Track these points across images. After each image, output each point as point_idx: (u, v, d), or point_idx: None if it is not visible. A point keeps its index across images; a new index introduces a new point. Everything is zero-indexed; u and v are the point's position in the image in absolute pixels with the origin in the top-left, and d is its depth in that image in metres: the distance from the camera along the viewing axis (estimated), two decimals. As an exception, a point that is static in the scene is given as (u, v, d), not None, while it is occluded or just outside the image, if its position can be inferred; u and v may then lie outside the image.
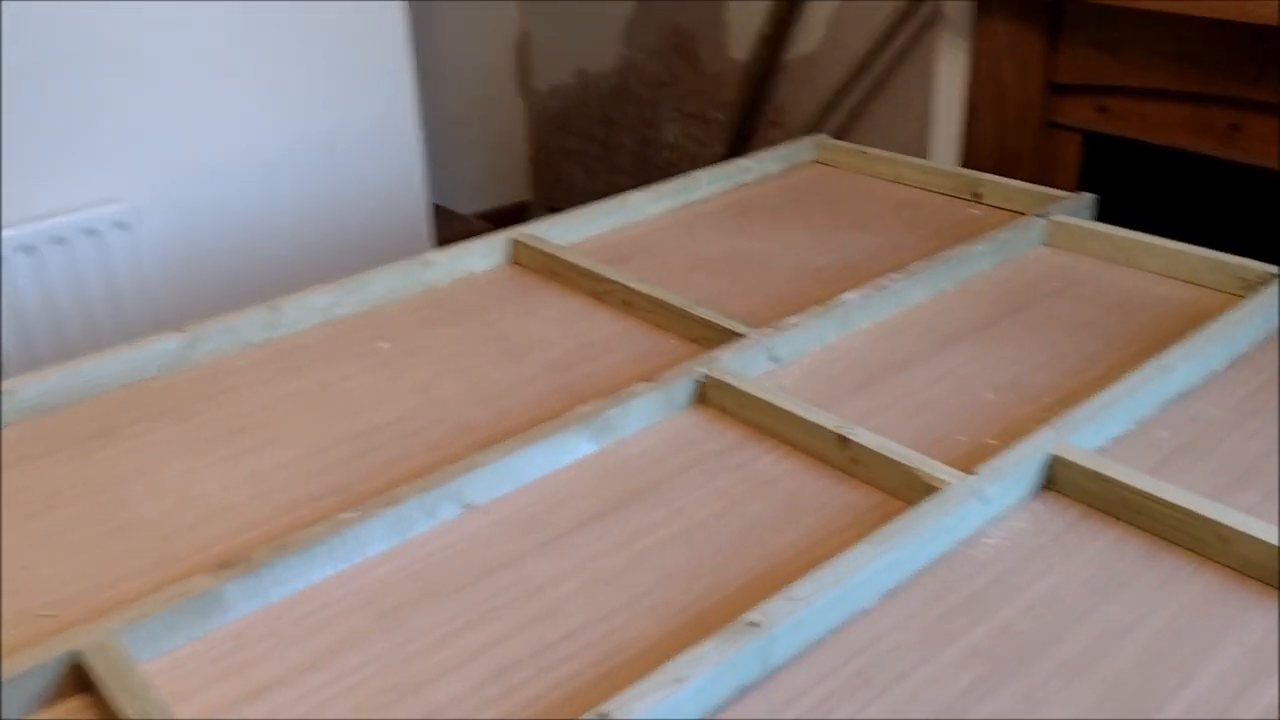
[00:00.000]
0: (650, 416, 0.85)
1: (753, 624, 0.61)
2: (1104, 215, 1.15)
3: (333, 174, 1.68)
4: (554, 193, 2.59)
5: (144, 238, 1.52)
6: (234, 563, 0.67)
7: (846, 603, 0.65)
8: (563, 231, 1.15)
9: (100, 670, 0.59)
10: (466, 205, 2.48)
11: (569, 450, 0.80)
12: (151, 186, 1.52)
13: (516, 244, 1.12)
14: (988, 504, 0.72)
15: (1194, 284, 1.02)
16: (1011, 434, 0.80)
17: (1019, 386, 0.88)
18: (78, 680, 0.60)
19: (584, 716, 0.55)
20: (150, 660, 0.62)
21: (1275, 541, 0.66)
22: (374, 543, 0.71)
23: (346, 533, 0.70)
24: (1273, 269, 0.98)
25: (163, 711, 0.56)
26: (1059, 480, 0.75)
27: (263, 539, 0.72)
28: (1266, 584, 0.66)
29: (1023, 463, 0.74)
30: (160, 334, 0.93)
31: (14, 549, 0.72)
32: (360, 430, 0.84)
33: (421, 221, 1.81)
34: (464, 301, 1.04)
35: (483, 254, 1.10)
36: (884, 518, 0.70)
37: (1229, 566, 0.67)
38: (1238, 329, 0.89)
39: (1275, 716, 0.57)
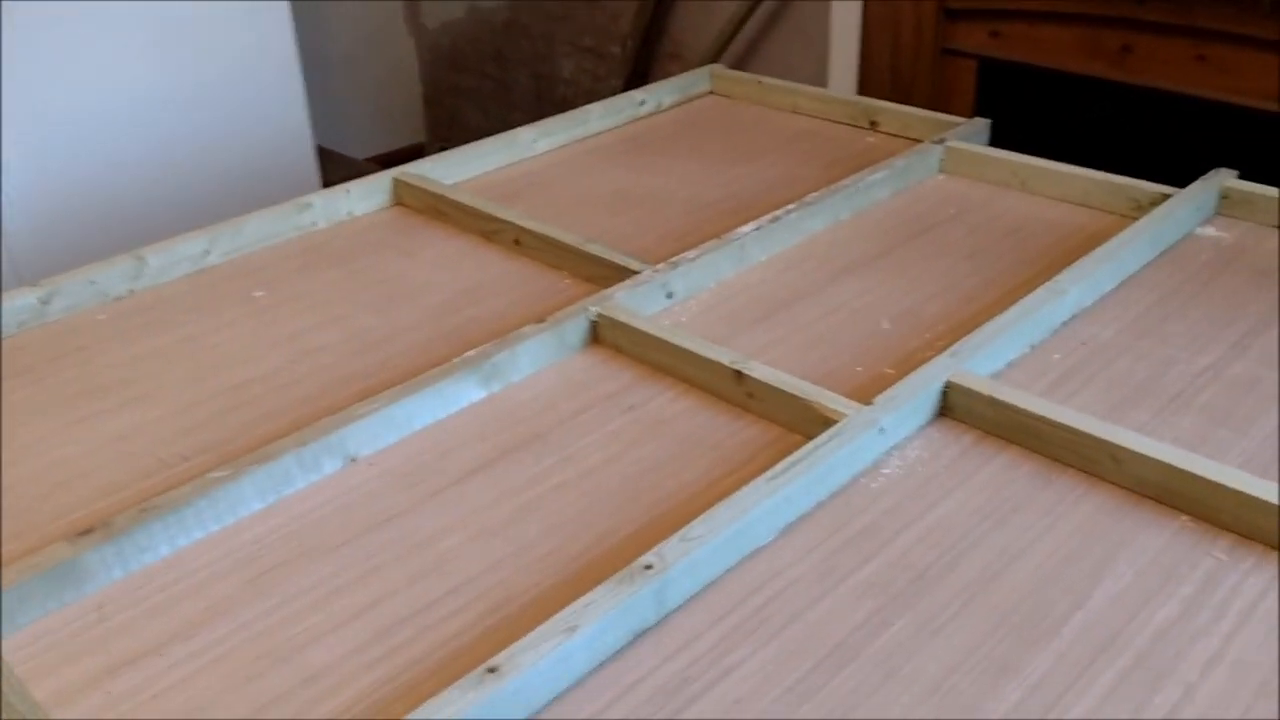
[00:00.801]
0: (541, 359, 0.82)
1: (647, 567, 0.59)
2: (999, 140, 1.14)
3: (210, 118, 1.60)
4: (449, 134, 2.52)
5: (15, 190, 1.43)
6: (95, 529, 0.62)
7: (743, 541, 0.63)
8: (449, 170, 1.11)
9: (-57, 653, 0.54)
10: (358, 149, 2.40)
11: (456, 397, 0.77)
12: (22, 136, 1.43)
13: (400, 184, 1.07)
14: (884, 434, 0.71)
15: (1087, 207, 1.02)
16: (908, 363, 0.79)
17: (915, 315, 0.87)
18: (-80, 665, 0.56)
19: (470, 673, 0.53)
20: (6, 636, 0.58)
21: (1166, 459, 0.66)
22: (247, 502, 0.67)
23: (216, 492, 0.66)
24: (1164, 189, 0.98)
25: (18, 692, 0.52)
26: (954, 407, 0.74)
27: (126, 503, 0.67)
28: (1158, 502, 0.66)
29: (918, 392, 0.73)
30: (18, 289, 0.87)
31: None
32: (232, 385, 0.80)
33: (309, 167, 1.73)
34: (344, 245, 0.99)
35: (364, 195, 1.05)
36: (782, 453, 0.68)
37: (1122, 486, 0.67)
38: (1128, 250, 0.89)
39: (1168, 634, 0.57)
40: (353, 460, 0.72)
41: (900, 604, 0.60)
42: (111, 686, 0.56)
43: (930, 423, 0.74)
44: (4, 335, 0.86)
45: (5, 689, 0.53)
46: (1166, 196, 0.97)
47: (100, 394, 0.79)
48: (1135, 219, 0.95)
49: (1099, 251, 0.88)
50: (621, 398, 0.78)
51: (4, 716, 0.51)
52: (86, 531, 0.62)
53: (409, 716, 0.50)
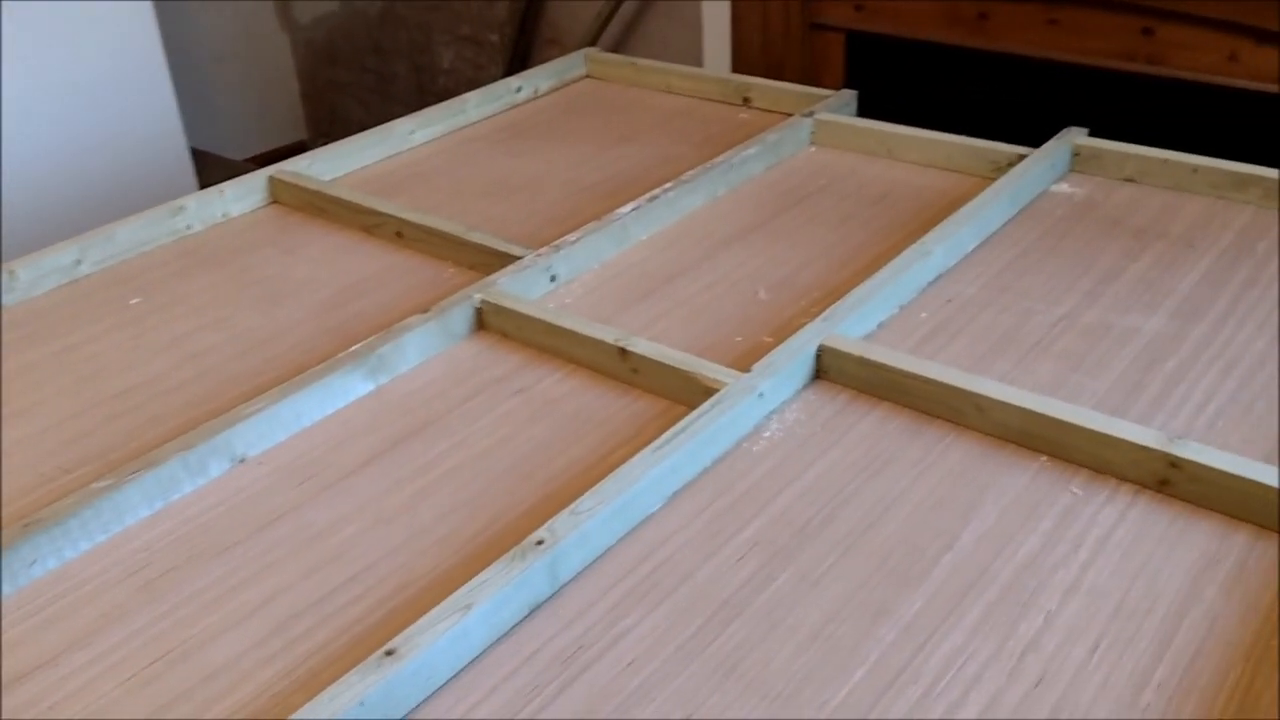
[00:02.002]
0: (428, 349, 0.82)
1: (539, 542, 0.61)
2: (868, 111, 1.18)
3: (78, 123, 1.55)
4: (330, 130, 2.48)
5: None
6: (-25, 548, 0.62)
7: (631, 511, 0.65)
8: (326, 166, 1.10)
9: None
10: (237, 150, 2.35)
11: (343, 392, 0.78)
12: None
13: (276, 182, 1.06)
14: (763, 399, 0.74)
15: (951, 170, 1.06)
16: (784, 330, 0.81)
17: (790, 284, 0.90)
18: None
19: (369, 658, 0.54)
20: (-114, 664, 0.57)
21: (1025, 404, 0.70)
22: (134, 509, 0.67)
23: (101, 502, 0.66)
24: (1020, 150, 1.03)
25: (-98, 717, 0.52)
26: (829, 369, 0.77)
27: (9, 520, 0.66)
28: (1020, 445, 0.70)
29: (794, 356, 0.76)
30: (-125, 311, 0.85)
31: None
32: (113, 393, 0.79)
33: (184, 170, 1.70)
34: (221, 247, 0.98)
35: (240, 195, 1.04)
36: (668, 424, 0.70)
37: (986, 433, 0.71)
38: (988, 210, 0.93)
39: (1030, 566, 0.61)
40: (241, 460, 0.72)
41: (782, 559, 0.62)
42: (9, 701, 0.55)
43: (807, 386, 0.77)
44: None
45: (-108, 714, 0.52)
46: (1023, 157, 1.02)
47: (-26, 412, 0.77)
48: (995, 180, 0.99)
49: (960, 213, 0.92)
50: (509, 381, 0.80)
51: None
52: (-33, 550, 0.61)
53: (304, 708, 0.51)
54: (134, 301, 0.90)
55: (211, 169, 1.88)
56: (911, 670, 0.55)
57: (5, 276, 0.89)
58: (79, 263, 0.93)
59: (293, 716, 0.51)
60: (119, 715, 0.54)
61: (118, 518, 0.66)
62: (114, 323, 0.87)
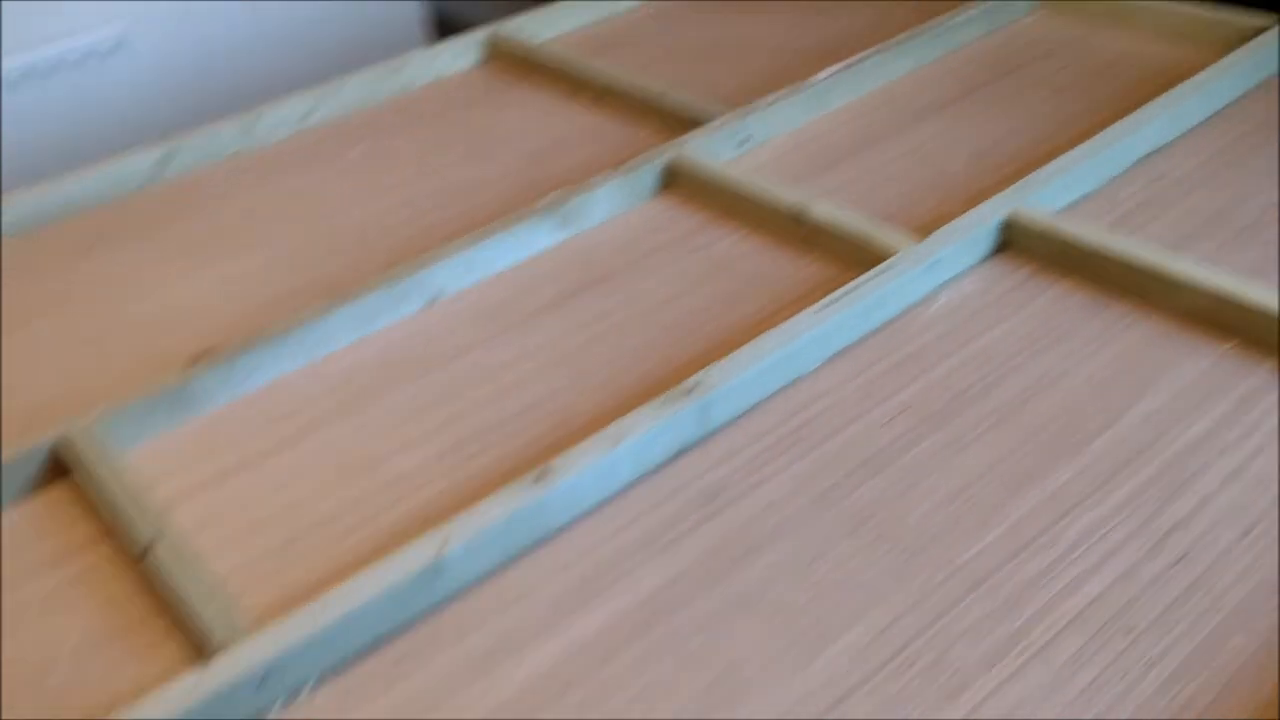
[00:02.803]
0: (615, 205, 0.85)
1: (691, 388, 0.63)
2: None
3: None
4: None
5: (139, 58, 1.52)
6: (205, 357, 0.70)
7: (787, 367, 0.66)
8: (540, 26, 1.13)
9: (80, 456, 0.63)
10: (475, 12, 2.42)
11: (533, 241, 0.82)
12: (145, 7, 1.51)
13: (492, 42, 1.10)
14: (939, 267, 0.72)
15: (1186, 40, 0.98)
16: (975, 202, 0.79)
17: (989, 155, 0.86)
18: (59, 468, 0.65)
19: (523, 478, 0.59)
20: (128, 449, 0.66)
21: (1219, 286, 0.66)
22: (340, 335, 0.74)
23: (313, 325, 0.73)
24: (1264, 21, 0.94)
25: (135, 495, 0.61)
26: (1014, 241, 0.75)
27: (234, 336, 0.75)
28: (1209, 327, 0.66)
29: (978, 226, 0.74)
30: (138, 149, 0.95)
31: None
32: (331, 234, 0.86)
33: (415, 30, 1.78)
34: (437, 103, 1.04)
35: (457, 54, 1.09)
36: (838, 288, 0.71)
37: (1173, 314, 0.68)
38: (1215, 83, 0.86)
39: (1194, 449, 0.58)
40: (435, 299, 0.78)
41: (932, 423, 0.62)
42: (220, 491, 0.64)
43: (989, 257, 0.75)
44: (126, 193, 0.94)
45: (127, 494, 0.61)
46: (1265, 28, 0.92)
47: (213, 243, 0.86)
48: (1230, 52, 0.91)
49: (1184, 86, 0.86)
50: (688, 241, 0.81)
51: (120, 522, 0.60)
52: (198, 359, 0.70)
53: (458, 516, 0.56)
54: (356, 151, 0.97)
55: (445, 28, 1.96)
56: (1048, 536, 0.55)
57: (250, 120, 0.98)
58: (311, 112, 1.01)
59: (450, 521, 0.56)
60: (311, 511, 0.61)
61: (326, 341, 0.74)
62: (337, 170, 0.94)
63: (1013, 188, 0.77)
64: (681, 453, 0.62)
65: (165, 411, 0.68)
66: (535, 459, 0.63)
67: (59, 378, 0.73)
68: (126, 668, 0.53)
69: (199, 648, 0.52)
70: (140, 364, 0.74)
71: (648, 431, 0.61)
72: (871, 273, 0.71)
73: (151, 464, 0.65)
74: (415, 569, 0.53)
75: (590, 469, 0.59)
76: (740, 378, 0.64)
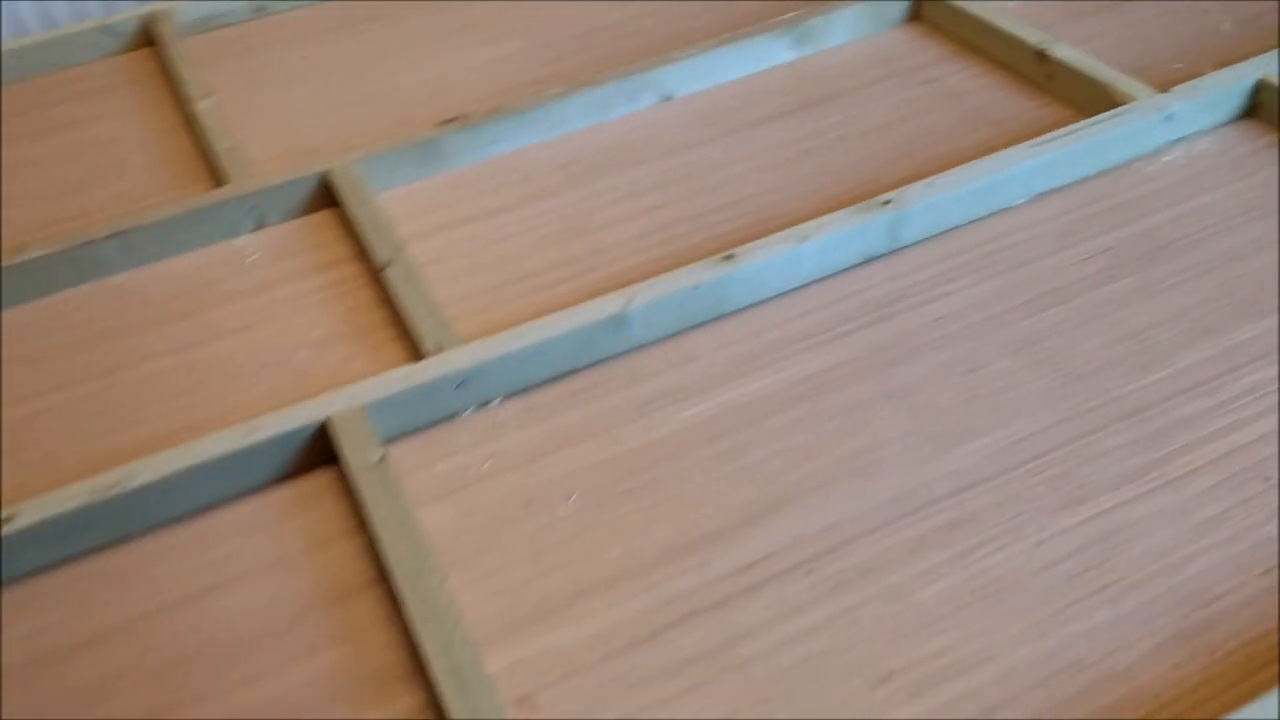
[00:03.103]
0: (856, 30, 0.86)
1: (885, 202, 0.65)
2: None
3: None
4: None
5: None
6: (456, 120, 0.78)
7: (989, 197, 0.67)
8: None
9: (343, 188, 0.72)
10: None
11: (768, 54, 0.84)
12: None
13: None
14: (1172, 123, 0.70)
15: None
16: (1231, 63, 0.75)
17: (1263, 19, 0.81)
18: (325, 198, 0.74)
19: (713, 258, 0.63)
20: (381, 190, 0.75)
21: None
22: (576, 118, 0.80)
23: (554, 106, 0.79)
24: None
25: (381, 225, 0.69)
26: (1263, 106, 0.71)
27: (484, 107, 0.82)
28: None
29: (1224, 86, 0.71)
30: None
31: (280, 105, 0.86)
32: (582, 31, 0.91)
33: None
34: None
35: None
36: (1063, 132, 0.70)
37: None
38: None
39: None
40: (667, 98, 0.82)
41: (1129, 267, 0.62)
42: (453, 235, 0.72)
43: (1232, 120, 0.72)
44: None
45: (369, 225, 0.70)
46: None
47: (481, 27, 0.93)
48: None
49: None
50: (923, 71, 0.82)
51: (366, 245, 0.68)
52: (449, 121, 0.78)
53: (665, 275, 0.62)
54: (618, -45, 1.01)
55: None
56: (1212, 385, 0.55)
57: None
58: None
59: (640, 284, 0.61)
60: (524, 263, 0.69)
61: (563, 122, 0.80)
62: (598, -29, 0.99)
63: (1273, 52, 0.72)
64: (868, 261, 0.65)
65: (416, 162, 0.76)
66: (725, 246, 0.67)
67: (326, 129, 0.83)
68: (355, 359, 0.63)
69: (414, 351, 0.61)
70: (400, 123, 0.82)
71: (836, 234, 0.64)
72: (1099, 118, 0.70)
73: (398, 205, 0.74)
74: (602, 317, 0.60)
75: (775, 259, 0.63)
76: (937, 198, 0.65)
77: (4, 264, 0.68)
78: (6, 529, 0.51)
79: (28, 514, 0.52)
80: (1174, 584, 0.46)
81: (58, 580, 0.52)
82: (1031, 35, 0.79)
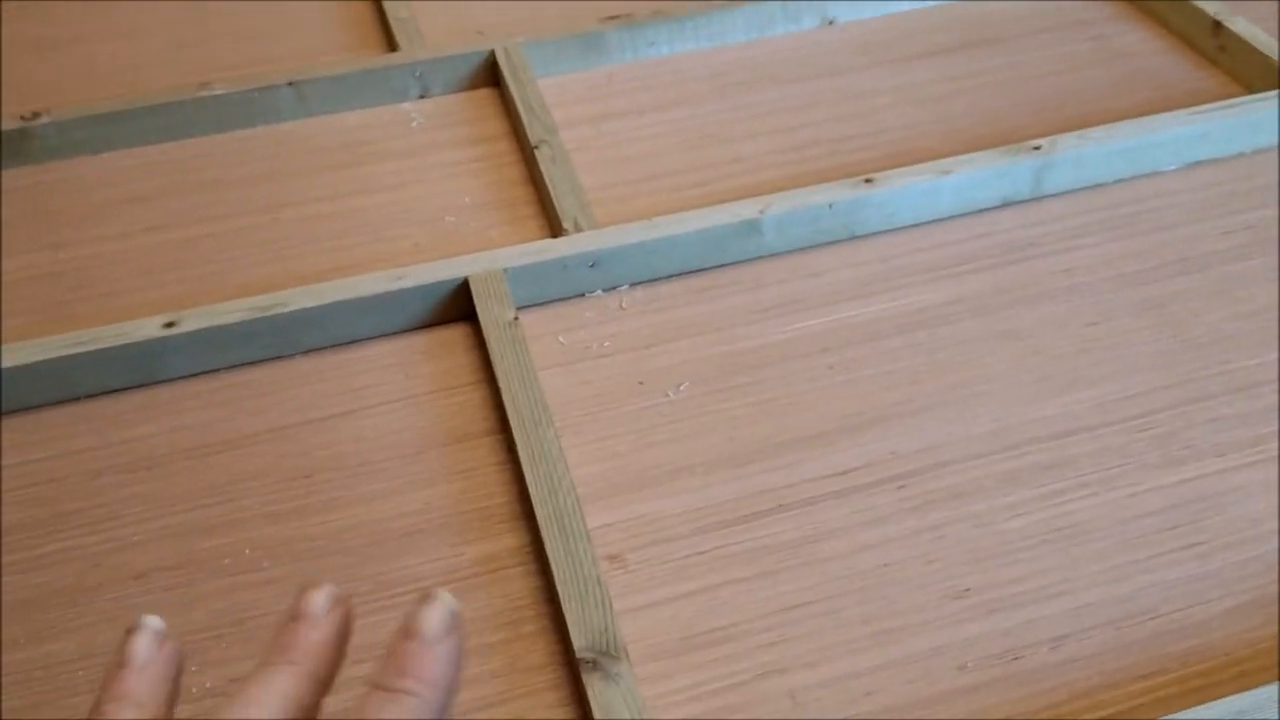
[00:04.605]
0: (1030, -23, 0.85)
1: (1035, 148, 0.66)
2: None
3: None
4: None
5: None
6: (619, 17, 0.80)
7: (1140, 158, 0.67)
8: None
9: (505, 68, 0.75)
10: None
11: (938, -8, 0.84)
12: None
13: None
14: (1345, 109, 0.68)
15: None
16: None
17: None
18: (490, 76, 0.77)
19: (852, 179, 0.64)
20: (542, 76, 0.78)
21: None
22: (736, 31, 0.81)
23: (715, 15, 0.80)
24: None
25: (538, 106, 0.72)
26: None
27: (647, 9, 0.84)
28: None
29: None
30: None
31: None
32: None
33: None
34: None
35: None
36: (1227, 104, 0.69)
37: None
38: None
39: None
40: (830, 22, 0.83)
41: (1267, 247, 0.62)
42: (603, 126, 0.74)
43: None
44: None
45: (526, 105, 0.72)
46: None
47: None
48: None
49: None
50: (1092, 27, 0.81)
51: (521, 123, 0.71)
52: (614, 18, 0.80)
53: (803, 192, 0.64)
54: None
55: None
56: (1335, 372, 0.55)
57: None
58: None
59: (778, 194, 0.63)
60: (669, 162, 0.71)
61: (722, 33, 0.81)
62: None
63: None
64: (1008, 204, 0.66)
65: (577, 53, 0.78)
66: (861, 173, 0.68)
67: (501, 12, 0.86)
68: (499, 227, 0.66)
69: (554, 229, 0.64)
70: (567, 16, 0.84)
71: (980, 173, 0.64)
72: (1264, 94, 0.68)
73: (556, 92, 0.77)
74: (736, 221, 0.62)
75: (913, 189, 0.64)
76: (1088, 151, 0.65)
77: (189, 97, 0.72)
78: (170, 333, 0.56)
79: (192, 321, 0.57)
80: (1261, 552, 0.47)
81: (212, 385, 0.57)
82: (1210, 5, 0.77)
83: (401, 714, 0.28)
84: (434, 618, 0.30)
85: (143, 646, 0.31)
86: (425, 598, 0.31)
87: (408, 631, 0.30)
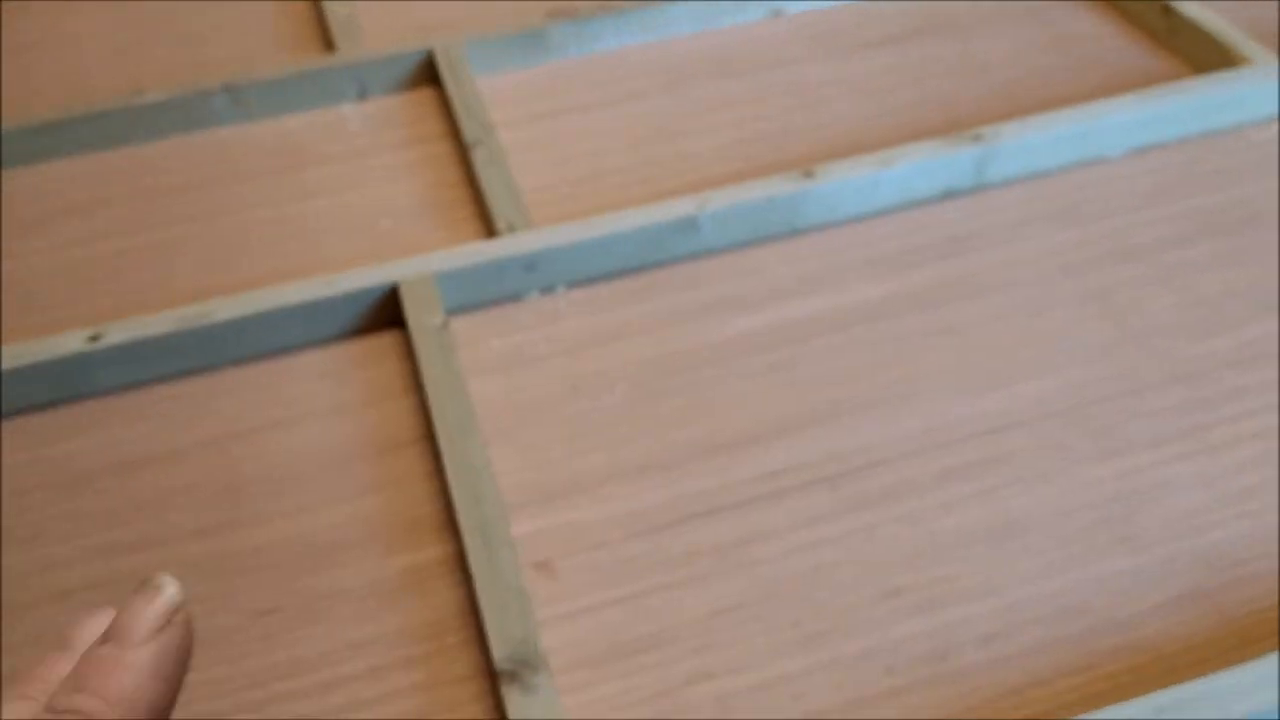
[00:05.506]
0: (981, -37, 0.84)
1: (976, 137, 0.65)
2: None
3: None
4: None
5: None
6: (561, 14, 0.79)
7: (1083, 145, 0.66)
8: None
9: (444, 68, 0.74)
10: None
11: (889, -20, 0.83)
12: None
13: None
14: (1291, 90, 0.68)
15: None
16: (1373, 35, 0.72)
17: None
18: (429, 75, 0.76)
19: (793, 171, 0.64)
20: (484, 74, 0.77)
21: None
22: (682, 23, 0.80)
23: (662, 9, 0.79)
24: None
25: (474, 106, 0.71)
26: (1394, 83, 0.68)
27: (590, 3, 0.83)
28: None
29: (1357, 57, 0.68)
30: None
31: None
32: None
33: None
34: None
35: None
36: (1176, 88, 0.68)
37: None
38: None
39: None
40: (777, 13, 0.82)
41: (1214, 234, 0.61)
42: (545, 125, 0.73)
43: (1359, 94, 0.69)
44: None
45: (463, 105, 0.72)
46: None
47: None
48: None
49: None
50: (1045, 13, 0.80)
51: (458, 124, 0.70)
52: (557, 13, 0.79)
53: (737, 188, 0.63)
54: None
55: None
56: (1273, 359, 0.54)
57: None
58: None
59: (716, 190, 0.62)
60: (609, 161, 0.70)
61: (669, 25, 0.80)
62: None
63: None
64: (949, 196, 0.65)
65: (520, 50, 0.77)
66: (803, 165, 0.67)
67: (445, 9, 0.84)
68: (437, 231, 0.65)
69: (489, 230, 0.63)
70: (516, 10, 0.83)
71: (920, 163, 0.64)
72: (1210, 76, 0.67)
73: (497, 90, 0.76)
74: (675, 218, 0.61)
75: (854, 181, 0.63)
76: (1029, 139, 0.65)
77: (121, 105, 0.71)
78: (95, 346, 0.55)
79: (116, 333, 0.56)
80: (1195, 546, 0.47)
81: (140, 399, 0.56)
82: (1159, -15, 0.76)
83: None
84: (139, 614, 0.24)
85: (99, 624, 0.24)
86: (138, 586, 0.25)
87: (106, 632, 0.24)
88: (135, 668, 0.23)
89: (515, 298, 0.60)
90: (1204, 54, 0.72)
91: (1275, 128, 0.67)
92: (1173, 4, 0.74)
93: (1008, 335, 0.56)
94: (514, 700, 0.41)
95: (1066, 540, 0.47)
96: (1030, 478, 0.50)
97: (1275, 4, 0.77)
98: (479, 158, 0.67)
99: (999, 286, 0.59)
